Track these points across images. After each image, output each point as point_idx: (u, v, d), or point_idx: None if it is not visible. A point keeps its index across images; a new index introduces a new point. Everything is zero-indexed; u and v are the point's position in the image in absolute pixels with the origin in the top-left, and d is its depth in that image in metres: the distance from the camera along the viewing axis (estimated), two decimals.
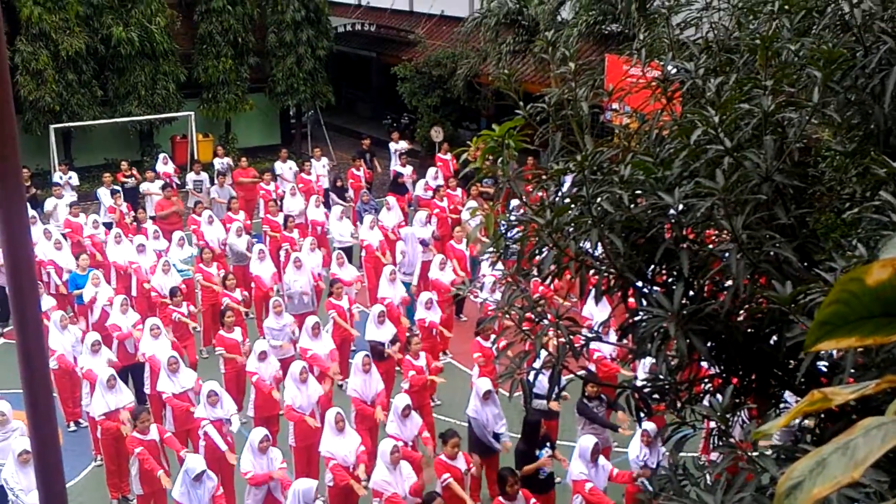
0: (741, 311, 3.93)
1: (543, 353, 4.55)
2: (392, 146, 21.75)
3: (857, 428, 1.07)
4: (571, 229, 4.26)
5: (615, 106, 12.42)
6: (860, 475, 1.00)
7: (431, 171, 19.42)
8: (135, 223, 16.74)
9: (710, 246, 4.13)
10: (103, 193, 17.92)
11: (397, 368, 11.92)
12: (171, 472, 9.77)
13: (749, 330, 3.91)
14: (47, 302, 13.11)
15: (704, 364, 4.23)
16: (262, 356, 11.10)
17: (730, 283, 3.84)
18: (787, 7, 4.89)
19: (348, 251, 15.67)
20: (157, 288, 13.68)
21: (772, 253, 3.73)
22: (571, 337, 4.38)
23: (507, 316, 4.53)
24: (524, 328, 4.47)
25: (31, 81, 20.71)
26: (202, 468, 8.91)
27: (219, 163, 20.58)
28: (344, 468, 9.32)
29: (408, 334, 11.88)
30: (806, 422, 3.74)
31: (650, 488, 4.17)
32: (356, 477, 9.29)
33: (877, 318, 1.06)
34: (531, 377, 4.41)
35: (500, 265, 5.20)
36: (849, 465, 1.01)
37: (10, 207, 2.13)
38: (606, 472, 9.03)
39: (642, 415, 4.24)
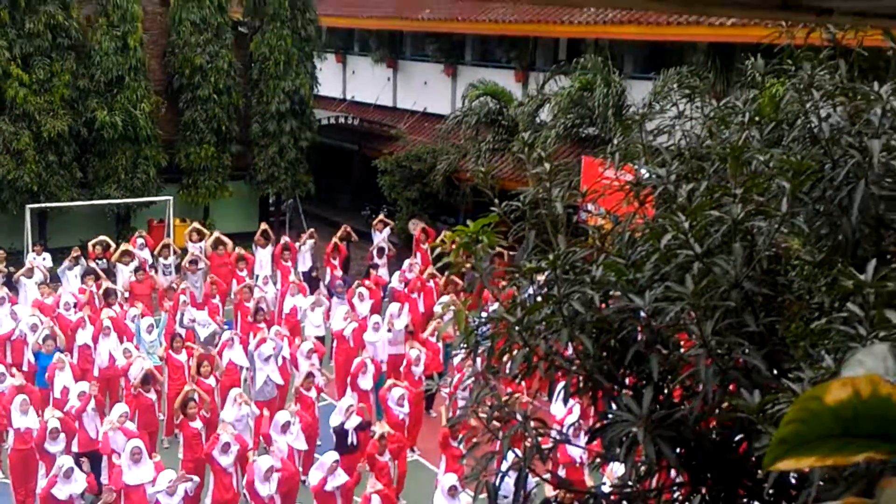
0: (710, 419, 3.89)
1: (511, 455, 4.46)
2: (375, 235, 21.72)
3: None
4: (542, 328, 4.24)
5: (590, 207, 12.59)
6: None
7: (407, 262, 19.47)
8: (106, 304, 16.51)
9: (682, 350, 4.11)
10: (66, 272, 17.71)
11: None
12: None
13: (717, 438, 3.86)
14: (9, 381, 12.80)
15: (673, 472, 4.16)
16: (226, 447, 10.84)
17: (699, 389, 3.81)
18: (757, 118, 5.02)
19: (321, 341, 15.51)
20: (122, 370, 13.42)
21: (741, 360, 3.71)
22: (539, 439, 4.30)
23: (475, 415, 4.45)
24: (492, 428, 4.39)
25: (10, 161, 20.74)
26: None
27: (192, 248, 20.48)
28: None
29: (374, 428, 11.66)
30: None
31: None
32: None
33: (837, 438, 1.03)
34: (497, 480, 4.30)
35: (470, 362, 5.15)
36: None
37: None
38: None
39: None
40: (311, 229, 21.41)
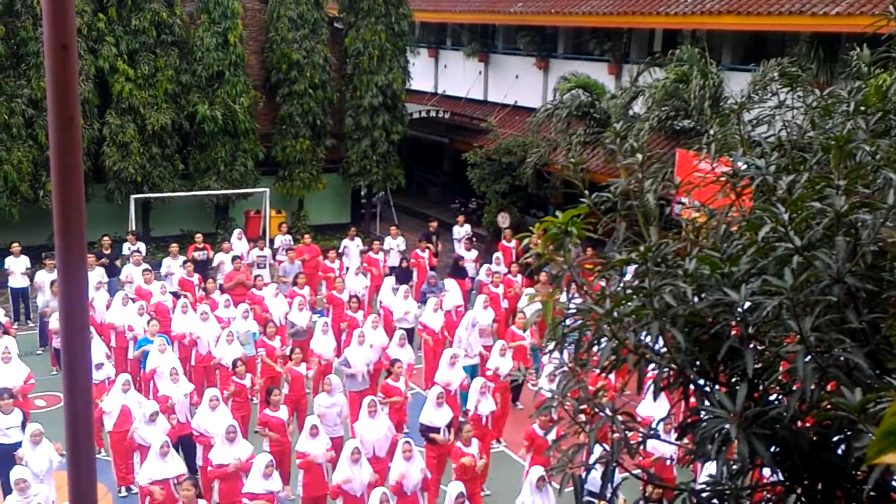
0: (807, 417, 3.75)
1: (598, 448, 4.40)
2: (456, 230, 21.90)
3: None
4: (631, 321, 4.17)
5: (683, 200, 12.31)
6: None
7: (495, 255, 19.48)
8: (203, 293, 17.06)
9: (780, 346, 3.98)
10: (167, 264, 18.37)
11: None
12: None
13: (815, 437, 3.72)
14: (109, 369, 13.35)
15: (767, 471, 4.03)
16: (314, 432, 11.02)
17: (796, 386, 3.68)
18: (862, 108, 4.82)
19: (409, 333, 15.65)
20: (218, 358, 13.84)
21: (841, 358, 3.57)
22: (627, 433, 4.23)
23: (563, 406, 4.41)
24: (579, 420, 4.34)
25: (116, 153, 21.60)
26: None
27: (280, 240, 20.95)
28: None
29: (461, 420, 11.71)
30: None
31: None
32: None
33: None
34: (583, 473, 4.25)
35: (557, 354, 5.10)
36: None
37: (72, 270, 2.17)
38: None
39: None
40: (394, 226, 21.55)
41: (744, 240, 4.38)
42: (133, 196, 21.64)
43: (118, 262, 18.61)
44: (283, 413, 11.96)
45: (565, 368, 4.71)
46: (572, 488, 4.39)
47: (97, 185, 21.61)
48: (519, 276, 18.06)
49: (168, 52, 22.22)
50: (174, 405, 12.25)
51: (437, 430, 11.79)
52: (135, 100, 21.55)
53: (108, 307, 15.89)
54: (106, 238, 18.99)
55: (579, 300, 4.98)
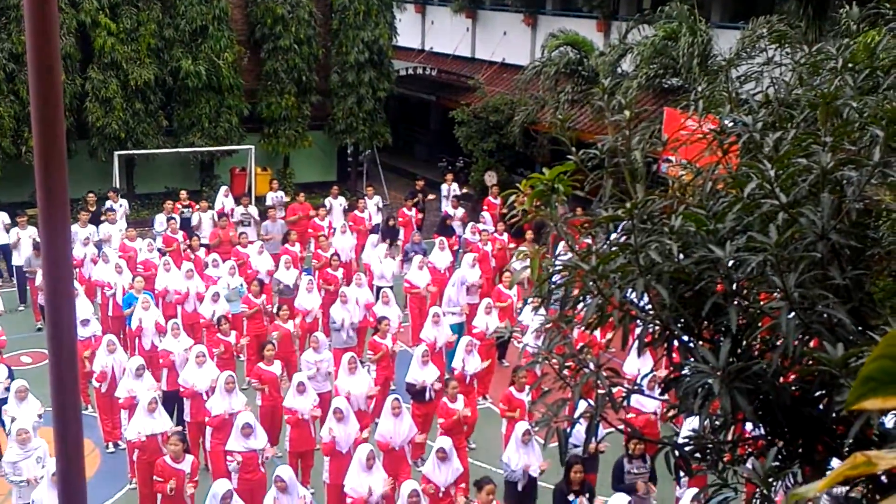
0: (790, 372, 3.79)
1: (582, 403, 4.44)
2: (444, 188, 21.86)
3: None
4: (617, 278, 4.18)
5: (671, 158, 12.31)
6: None
7: (483, 214, 19.48)
8: (188, 250, 17.01)
9: (761, 303, 4.01)
10: (160, 220, 18.30)
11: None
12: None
13: (797, 392, 3.77)
14: (96, 326, 13.33)
15: (749, 426, 4.09)
16: (301, 388, 11.08)
17: (779, 342, 3.71)
18: (850, 65, 4.80)
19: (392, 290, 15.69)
20: (204, 315, 13.84)
21: (824, 314, 3.60)
22: (612, 388, 4.27)
23: (547, 362, 4.44)
24: (564, 376, 4.37)
25: (99, 108, 21.32)
26: (227, 488, 8.86)
27: (271, 197, 20.86)
28: None
29: (446, 377, 11.79)
30: (853, 494, 3.57)
31: None
32: None
33: None
34: (568, 427, 4.30)
35: (543, 311, 5.11)
36: None
37: (54, 225, 2.14)
38: None
39: (682, 474, 4.09)
40: (370, 186, 21.49)
41: (729, 197, 4.39)
42: (116, 153, 21.41)
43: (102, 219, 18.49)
44: (276, 368, 12.03)
45: (550, 325, 4.74)
46: (557, 443, 4.44)
47: (80, 141, 21.36)
48: (505, 234, 18.09)
49: (151, 6, 21.84)
50: (174, 360, 12.27)
51: (422, 388, 11.87)
52: (117, 55, 21.22)
53: (95, 264, 15.85)
54: (91, 195, 18.83)
55: (566, 257, 4.99)
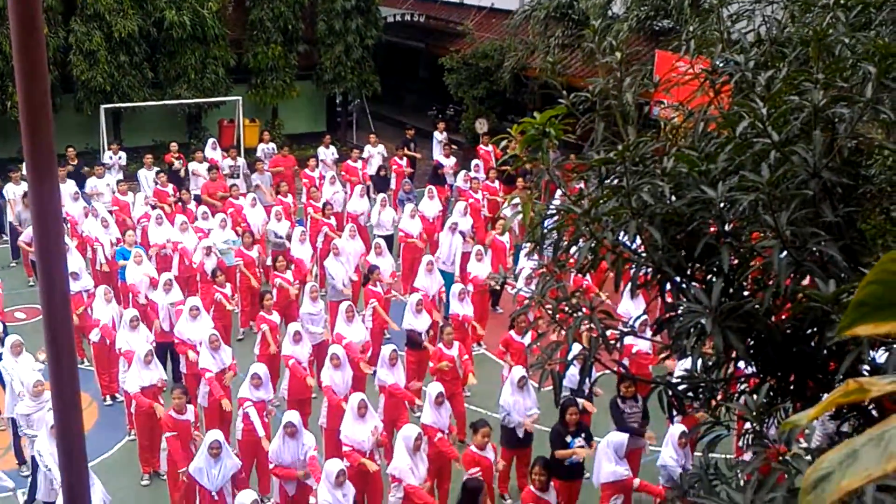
0: (781, 311, 3.82)
1: (576, 346, 4.48)
2: (436, 136, 21.72)
3: (893, 419, 1.00)
4: (610, 220, 4.18)
5: (663, 101, 12.22)
6: (894, 468, 0.93)
7: (474, 162, 19.40)
8: (179, 203, 16.93)
9: (753, 242, 4.02)
10: (143, 175, 18.19)
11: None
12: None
13: (789, 330, 3.81)
14: (88, 281, 13.31)
15: (741, 364, 4.14)
16: (297, 338, 11.14)
17: (771, 281, 3.73)
18: (842, 2, 4.75)
19: (388, 240, 15.68)
20: (197, 267, 13.85)
21: (816, 252, 3.61)
22: (606, 331, 4.30)
23: (541, 306, 4.47)
24: (557, 319, 4.40)
25: (83, 62, 21.02)
26: (216, 438, 8.94)
27: (262, 149, 20.72)
28: (360, 452, 9.32)
29: (441, 324, 11.86)
30: (844, 426, 3.63)
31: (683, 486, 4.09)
32: (371, 455, 9.31)
33: None
34: (561, 369, 4.34)
35: (536, 256, 5.11)
36: (882, 456, 0.94)
37: (42, 180, 2.12)
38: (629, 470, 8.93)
39: (675, 412, 4.15)
40: (372, 134, 21.35)
41: (721, 138, 4.37)
42: (103, 106, 21.17)
43: (85, 171, 18.36)
44: (275, 317, 12.10)
45: (543, 269, 4.75)
46: (551, 387, 4.48)
47: (66, 95, 21.10)
48: (497, 181, 18.04)
49: None
50: (161, 312, 12.31)
51: (419, 334, 11.97)
52: (100, 6, 20.83)
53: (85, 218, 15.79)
54: (70, 149, 18.68)
55: (558, 202, 4.98)
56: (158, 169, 18.26)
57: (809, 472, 1.02)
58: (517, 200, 5.13)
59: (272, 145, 21.06)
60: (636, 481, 9.01)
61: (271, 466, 9.20)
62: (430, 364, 11.36)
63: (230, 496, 8.95)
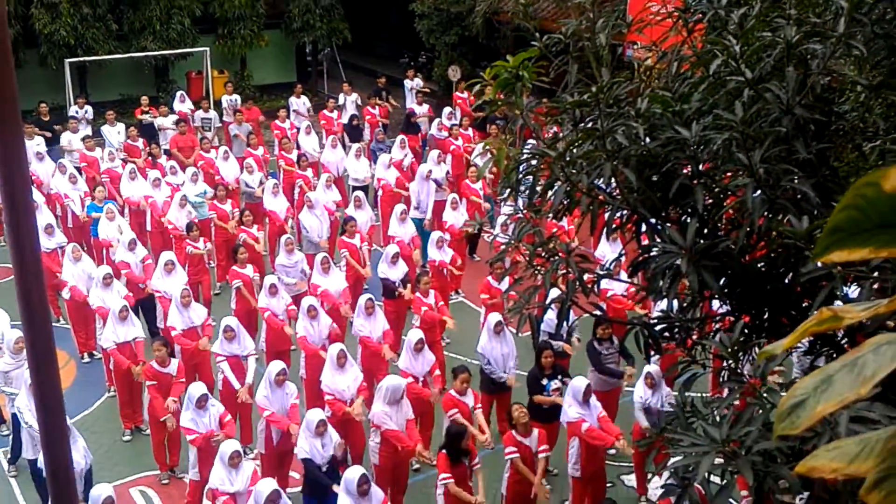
0: (756, 249, 3.85)
1: (554, 291, 4.50)
2: (407, 84, 21.48)
3: (866, 345, 1.00)
4: (584, 163, 4.17)
5: (638, 43, 12.14)
6: (867, 392, 0.94)
7: (447, 110, 19.22)
8: (150, 158, 16.69)
9: (726, 182, 4.04)
10: (107, 131, 17.87)
11: (409, 308, 11.93)
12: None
13: (763, 268, 3.84)
14: (61, 237, 13.16)
15: (716, 304, 4.18)
16: (273, 290, 11.11)
17: (745, 220, 3.75)
18: None
19: (364, 190, 15.59)
20: (172, 222, 13.72)
21: (789, 189, 3.63)
22: (583, 274, 4.32)
23: (518, 252, 4.47)
24: (534, 264, 4.41)
25: (45, 14, 20.50)
26: (202, 392, 8.97)
27: (227, 100, 20.37)
28: (341, 402, 9.38)
29: (418, 272, 11.87)
30: (819, 361, 3.69)
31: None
32: (352, 401, 9.38)
33: (894, 228, 0.98)
34: (539, 314, 4.36)
35: (511, 201, 5.10)
36: (856, 381, 0.95)
37: (6, 137, 2.07)
38: (597, 412, 8.89)
39: (651, 353, 4.20)
40: (346, 83, 21.08)
41: (695, 78, 4.35)
42: (67, 60, 20.71)
43: (58, 129, 18.01)
44: (249, 270, 12.04)
45: (520, 215, 4.75)
46: (529, 332, 4.51)
47: (29, 50, 20.61)
48: (470, 128, 17.92)
49: None
50: (130, 271, 12.21)
51: (394, 284, 11.97)
52: None
53: (52, 176, 15.51)
54: (43, 105, 18.29)
55: (533, 145, 4.96)
56: (126, 123, 17.93)
57: (784, 399, 1.03)
58: (489, 147, 5.10)
59: (236, 97, 20.69)
60: (619, 442, 8.83)
61: (266, 414, 9.23)
62: (412, 311, 11.39)
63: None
